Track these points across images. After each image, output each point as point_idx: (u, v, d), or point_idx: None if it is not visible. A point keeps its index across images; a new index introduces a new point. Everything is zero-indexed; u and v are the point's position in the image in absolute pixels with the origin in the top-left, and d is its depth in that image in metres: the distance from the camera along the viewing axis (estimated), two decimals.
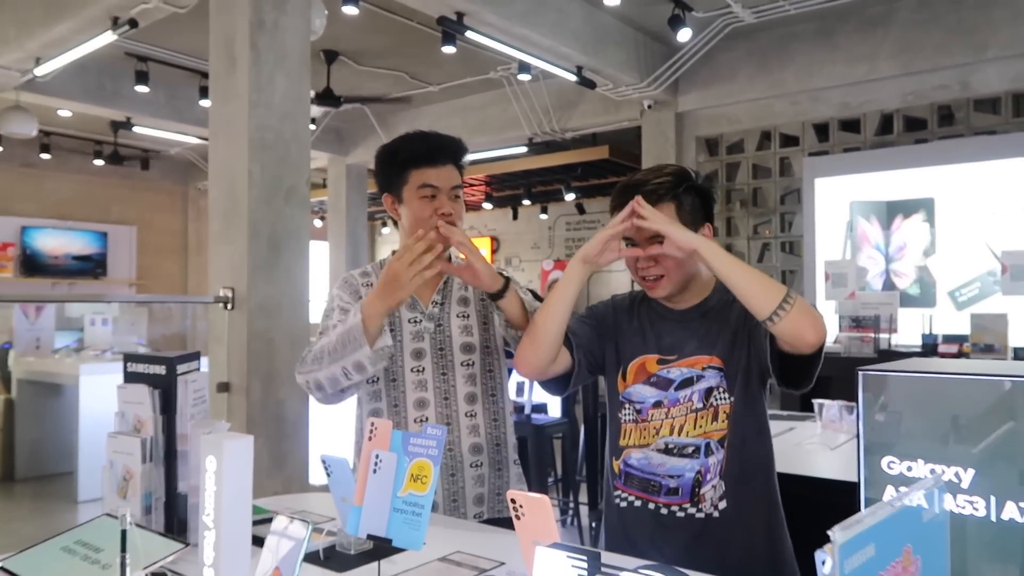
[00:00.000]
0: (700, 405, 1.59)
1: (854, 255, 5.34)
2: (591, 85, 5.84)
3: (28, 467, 5.98)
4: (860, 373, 0.69)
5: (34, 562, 1.23)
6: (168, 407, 1.45)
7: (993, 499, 0.61)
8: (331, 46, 6.10)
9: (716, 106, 6.21)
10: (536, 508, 1.13)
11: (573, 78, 5.64)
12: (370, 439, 1.25)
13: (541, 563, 0.93)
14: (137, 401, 1.46)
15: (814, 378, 1.53)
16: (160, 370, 1.47)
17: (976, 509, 0.61)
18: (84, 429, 5.37)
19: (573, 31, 5.20)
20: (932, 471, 0.61)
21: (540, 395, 4.31)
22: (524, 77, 6.25)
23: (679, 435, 1.60)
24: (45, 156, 8.96)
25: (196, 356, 1.56)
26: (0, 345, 6.52)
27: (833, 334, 4.37)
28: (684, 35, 5.32)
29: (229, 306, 3.28)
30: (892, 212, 5.32)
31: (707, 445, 1.58)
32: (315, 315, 2.42)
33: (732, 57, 5.98)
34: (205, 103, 6.78)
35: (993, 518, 0.61)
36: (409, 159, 1.77)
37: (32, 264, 9.48)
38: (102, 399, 5.47)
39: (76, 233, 9.98)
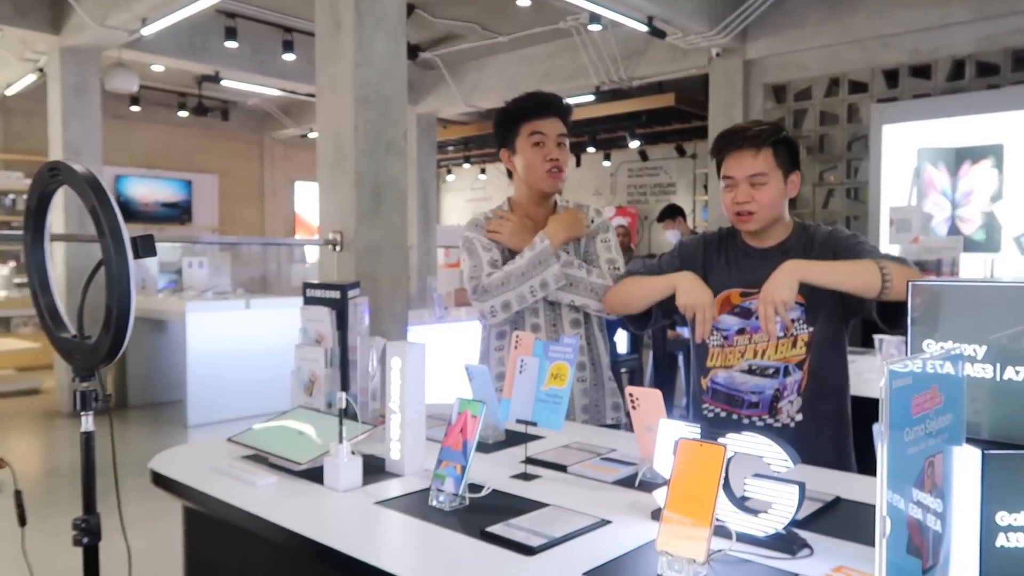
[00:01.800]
0: (781, 333, 1.87)
1: (920, 201, 5.44)
2: (661, 35, 5.98)
3: (140, 396, 6.62)
4: (910, 284, 0.98)
5: (257, 438, 1.61)
6: (342, 324, 1.81)
7: (998, 365, 0.90)
8: (409, 0, 6.35)
9: (785, 53, 6.27)
10: (650, 399, 1.45)
11: (644, 28, 5.78)
12: (516, 348, 1.58)
13: (665, 432, 1.25)
14: (318, 319, 1.82)
15: None
16: (335, 295, 1.82)
17: (985, 372, 0.90)
18: (192, 361, 5.93)
19: None
20: (956, 347, 0.91)
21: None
22: (595, 27, 6.40)
23: (761, 358, 1.88)
24: (135, 108, 9.50)
25: (358, 285, 1.91)
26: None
27: None
28: None
29: (338, 248, 3.65)
30: (960, 158, 5.39)
31: (786, 368, 1.86)
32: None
33: (802, 3, 6.02)
34: (288, 56, 7.15)
35: (997, 379, 0.90)
36: (520, 114, 2.11)
37: (125, 211, 9.98)
38: (207, 334, 6.04)
39: (163, 181, 10.59)
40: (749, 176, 1.84)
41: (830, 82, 6.18)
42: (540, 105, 2.15)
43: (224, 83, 8.09)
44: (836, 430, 1.91)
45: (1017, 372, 0.88)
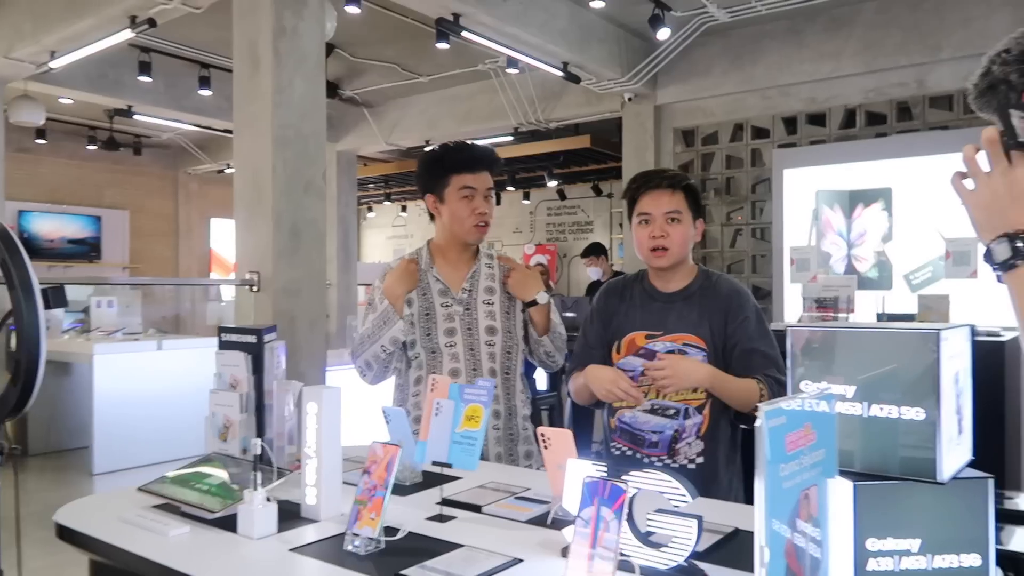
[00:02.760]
0: (647, 407, 1.98)
1: (819, 241, 5.77)
2: (576, 80, 6.19)
3: (42, 442, 6.26)
4: (788, 328, 1.07)
5: (170, 488, 1.59)
6: (258, 368, 1.81)
7: (866, 403, 1.00)
8: (329, 40, 6.37)
9: (692, 99, 6.58)
10: (560, 439, 1.51)
11: (559, 73, 5.98)
12: (432, 390, 1.62)
13: (572, 471, 1.31)
14: (233, 364, 1.81)
15: None
16: (252, 339, 1.82)
17: (855, 409, 1.00)
18: (98, 405, 5.67)
19: (560, 30, 5.54)
20: (828, 387, 1.00)
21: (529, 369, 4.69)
22: (512, 71, 6.59)
23: (663, 398, 1.98)
24: (40, 141, 9.13)
25: (275, 328, 1.91)
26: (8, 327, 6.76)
27: (797, 314, 4.80)
28: (663, 33, 5.69)
29: (255, 288, 3.61)
30: (854, 201, 5.75)
31: (686, 410, 1.97)
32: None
33: (707, 53, 6.35)
34: (204, 92, 7.05)
35: (865, 416, 1.00)
36: (452, 165, 2.15)
37: (29, 248, 9.50)
38: (115, 377, 5.79)
39: (70, 217, 10.17)
40: (666, 212, 1.97)
41: (735, 127, 6.52)
42: (472, 159, 2.19)
43: (137, 117, 7.89)
44: (731, 471, 2.01)
45: (882, 409, 0.98)
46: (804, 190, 5.90)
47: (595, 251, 7.31)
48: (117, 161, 10.31)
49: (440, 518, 1.49)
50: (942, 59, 5.41)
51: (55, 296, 1.15)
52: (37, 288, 1.08)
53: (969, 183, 0.98)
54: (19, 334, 1.11)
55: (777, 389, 1.87)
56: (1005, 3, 5.08)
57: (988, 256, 0.94)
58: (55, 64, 5.39)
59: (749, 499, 1.99)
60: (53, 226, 9.98)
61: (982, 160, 0.96)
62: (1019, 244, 0.90)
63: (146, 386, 5.88)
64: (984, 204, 0.95)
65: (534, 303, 2.16)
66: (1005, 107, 0.91)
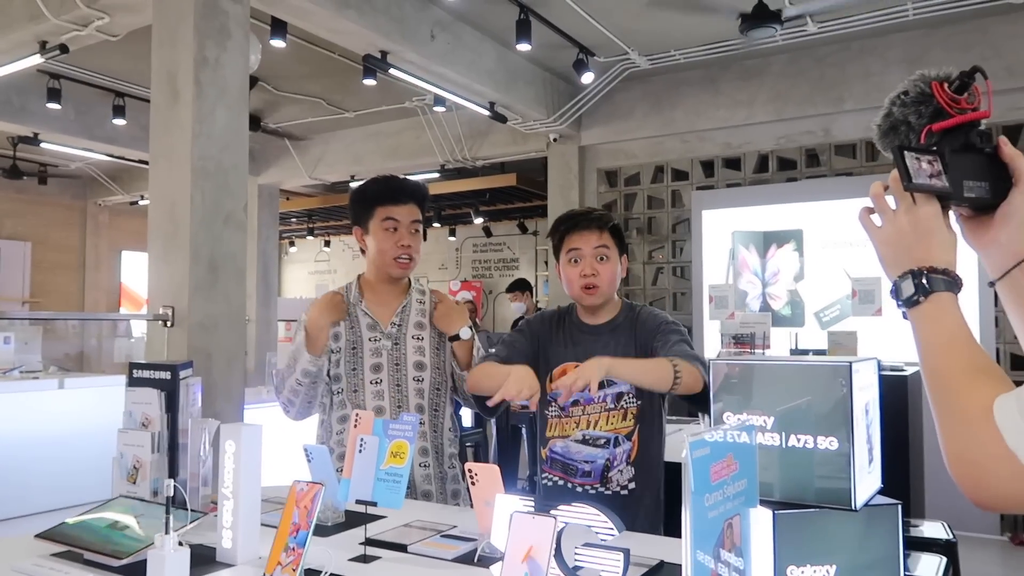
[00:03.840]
0: (612, 405, 2.01)
1: (736, 279, 5.97)
2: (502, 119, 6.29)
3: None
4: (711, 362, 1.10)
5: (72, 533, 1.49)
6: (172, 406, 1.73)
7: (783, 434, 1.03)
8: (253, 72, 6.29)
9: (615, 141, 6.77)
10: (488, 474, 1.50)
11: (486, 112, 6.06)
12: (355, 426, 1.58)
13: (501, 507, 1.30)
14: (146, 401, 1.73)
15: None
16: (166, 375, 1.74)
17: (773, 440, 1.03)
18: None
19: (487, 70, 5.63)
20: (749, 418, 1.03)
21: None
22: (439, 109, 6.64)
23: (594, 428, 2.01)
24: None
25: (190, 364, 1.84)
26: None
27: (716, 350, 4.93)
28: (587, 77, 5.86)
29: (169, 323, 3.47)
30: (768, 241, 5.99)
31: (616, 439, 2.00)
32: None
33: (629, 97, 6.56)
34: (119, 121, 6.83)
35: (784, 446, 1.03)
36: (375, 197, 2.14)
37: None
38: (11, 417, 5.43)
39: None
40: (595, 249, 2.01)
41: (655, 169, 6.73)
42: (396, 191, 2.18)
43: (44, 145, 7.55)
44: (659, 494, 2.05)
45: (799, 440, 1.01)
46: (721, 230, 6.12)
47: (520, 287, 7.38)
48: (19, 190, 9.81)
49: (364, 558, 1.44)
50: (845, 110, 5.74)
51: None
52: None
53: (876, 219, 1.00)
54: None
55: (693, 360, 1.89)
56: (900, 60, 5.46)
57: (894, 292, 0.96)
58: None
59: (671, 528, 2.03)
60: None
61: (890, 197, 0.98)
62: (923, 281, 0.92)
63: (45, 427, 5.53)
64: (890, 240, 0.98)
65: (457, 337, 2.15)
66: (900, 148, 0.94)
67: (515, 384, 1.82)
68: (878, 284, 4.39)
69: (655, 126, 6.52)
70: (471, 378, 2.07)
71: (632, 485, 1.98)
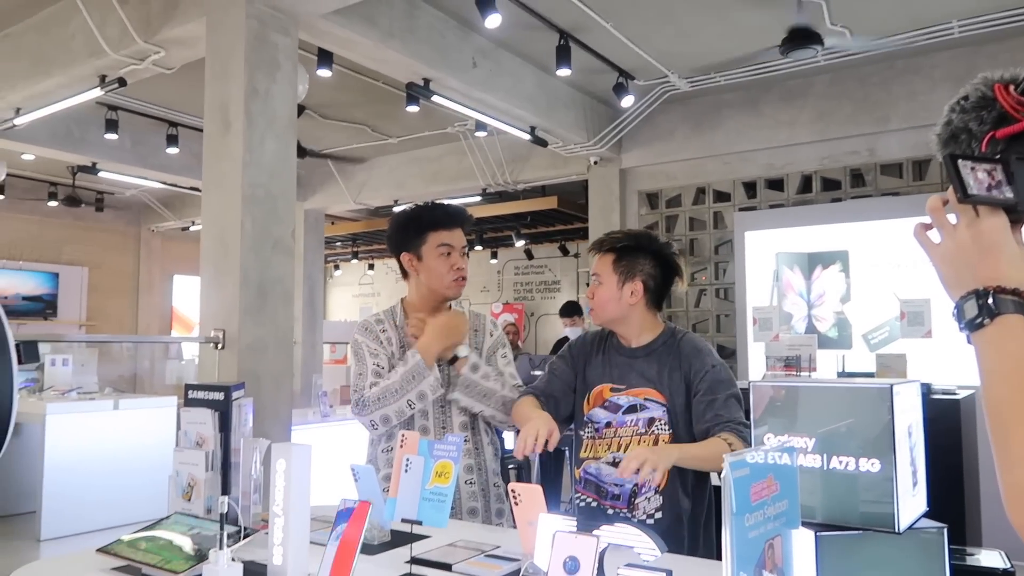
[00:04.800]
0: (643, 430, 2.01)
1: (780, 301, 5.90)
2: (543, 143, 6.35)
3: None
4: (752, 384, 1.11)
5: (131, 548, 1.55)
6: (225, 426, 1.79)
7: (825, 456, 1.03)
8: (300, 101, 6.47)
9: (655, 163, 6.78)
10: (531, 495, 1.52)
11: (527, 137, 6.13)
12: (401, 446, 1.62)
13: (544, 526, 1.31)
14: (200, 421, 1.79)
15: None
16: (219, 396, 1.80)
17: (815, 462, 1.03)
18: (49, 468, 5.47)
19: (527, 95, 5.70)
20: (790, 439, 1.04)
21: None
22: (480, 134, 6.74)
23: (623, 451, 2.00)
24: None
25: (242, 386, 1.90)
26: None
27: (760, 372, 4.87)
28: (627, 100, 5.89)
29: (220, 346, 3.57)
30: (813, 263, 5.92)
31: None
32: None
33: (670, 120, 6.58)
34: (172, 150, 7.07)
35: (825, 468, 1.03)
36: (430, 223, 2.19)
37: None
38: (68, 438, 5.60)
39: (27, 274, 9.97)
40: (592, 274, 2.09)
41: (697, 190, 6.71)
42: (449, 217, 2.26)
43: (102, 174, 7.85)
44: (693, 528, 2.01)
45: (841, 462, 1.01)
46: (765, 252, 6.06)
47: (574, 311, 7.30)
48: (78, 217, 10.20)
49: None
50: (891, 129, 5.67)
51: (27, 351, 1.15)
52: (12, 343, 1.08)
53: (934, 235, 0.92)
54: None
55: (743, 432, 1.90)
56: (946, 78, 5.38)
57: (957, 314, 0.88)
58: (20, 121, 5.38)
59: (711, 555, 2.01)
60: (8, 283, 9.77)
61: (951, 214, 0.90)
62: (988, 301, 0.84)
63: (101, 447, 5.68)
64: (950, 258, 0.89)
65: (455, 359, 2.18)
66: (952, 158, 0.86)
67: (529, 436, 1.88)
68: (927, 306, 4.30)
69: (696, 148, 6.52)
70: (514, 413, 2.13)
71: (659, 515, 1.96)
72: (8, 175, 8.57)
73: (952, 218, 0.90)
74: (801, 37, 4.77)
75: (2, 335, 1.06)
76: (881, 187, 5.88)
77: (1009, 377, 0.82)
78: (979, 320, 0.84)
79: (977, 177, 0.85)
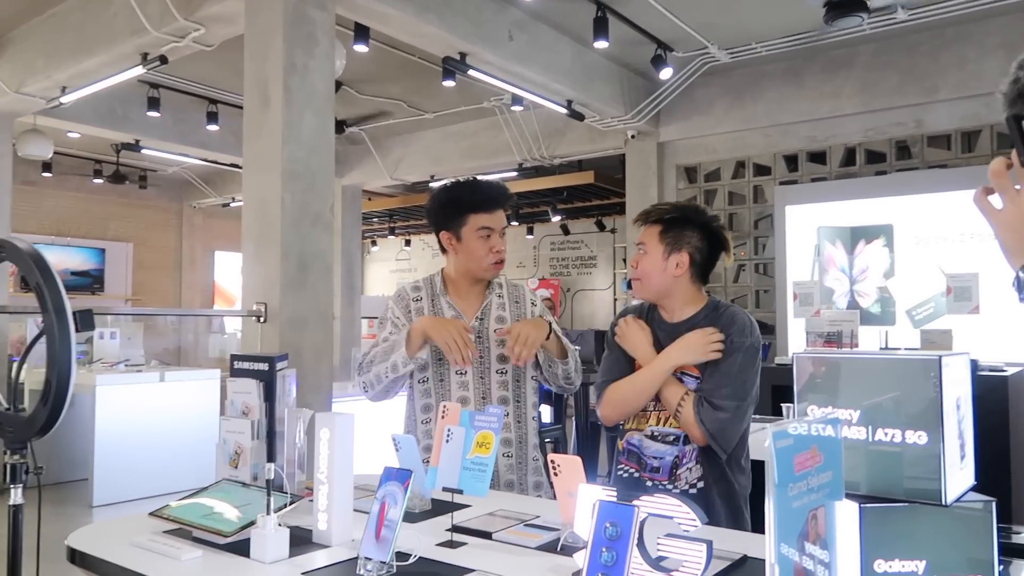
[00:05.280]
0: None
1: (821, 276, 5.80)
2: (580, 117, 6.30)
3: (41, 475, 6.23)
4: (795, 356, 1.10)
5: (182, 512, 1.60)
6: (270, 396, 1.83)
7: (870, 428, 1.02)
8: (338, 77, 6.49)
9: (694, 137, 6.68)
10: (571, 466, 1.53)
11: (563, 111, 6.08)
12: (443, 417, 1.64)
13: (584, 495, 1.33)
14: (245, 391, 1.83)
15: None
16: (264, 367, 1.84)
17: (859, 434, 1.02)
18: (100, 437, 5.66)
19: (564, 68, 5.65)
20: (833, 411, 1.03)
21: None
22: (517, 108, 6.70)
23: (663, 425, 2.00)
24: (47, 175, 9.24)
25: (286, 356, 1.94)
26: (8, 357, 6.78)
27: (801, 348, 4.81)
28: (665, 73, 5.80)
29: (262, 319, 3.64)
30: (855, 237, 5.80)
31: (685, 436, 1.98)
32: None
33: (709, 93, 6.46)
34: (212, 127, 7.16)
35: (870, 440, 1.02)
36: (470, 205, 2.18)
37: None
38: (117, 408, 5.79)
39: (74, 250, 10.24)
40: (637, 244, 2.06)
41: (737, 164, 6.60)
42: (489, 200, 2.22)
43: (144, 151, 8.00)
44: (732, 497, 2.00)
45: (886, 434, 1.00)
46: (806, 226, 5.96)
47: None
48: (122, 194, 10.42)
49: (451, 544, 1.50)
50: (939, 100, 5.51)
51: (83, 319, 1.19)
52: (69, 311, 1.12)
53: (996, 201, 0.88)
54: (50, 355, 1.14)
55: (702, 409, 1.90)
56: (999, 46, 5.19)
57: (1017, 283, 0.85)
58: (65, 99, 5.49)
59: (753, 526, 2.00)
60: (57, 258, 10.03)
61: (1012, 177, 0.86)
62: None
63: (148, 418, 5.88)
64: (1012, 224, 0.85)
65: (546, 337, 2.17)
66: (1017, 118, 0.81)
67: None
68: (975, 280, 4.20)
69: (736, 120, 6.40)
70: (608, 411, 2.08)
71: (700, 484, 1.96)
72: (55, 153, 8.78)
73: (1016, 183, 0.86)
74: (846, 5, 4.64)
75: (61, 303, 1.10)
76: (928, 159, 5.72)
77: None
78: None
79: None
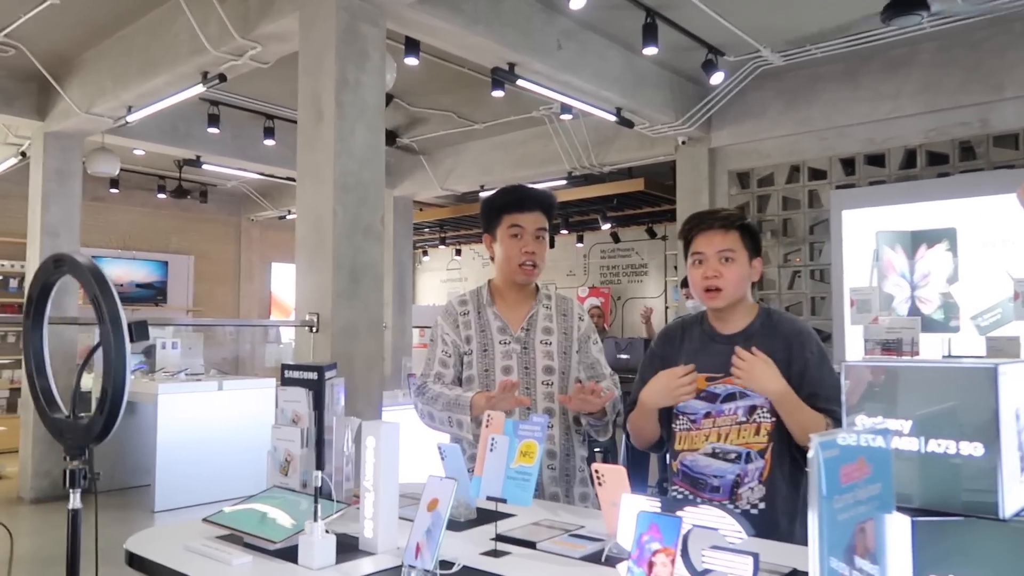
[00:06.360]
0: (744, 419, 1.92)
1: (880, 282, 5.64)
2: (629, 124, 6.26)
3: (106, 480, 6.46)
4: (844, 364, 1.07)
5: (233, 519, 1.64)
6: (319, 404, 1.86)
7: (923, 439, 0.99)
8: (389, 90, 6.60)
9: (747, 142, 6.57)
10: (614, 476, 1.51)
11: (613, 118, 6.06)
12: (487, 426, 1.65)
13: (627, 506, 1.31)
14: (295, 400, 1.87)
15: None
16: (313, 376, 1.88)
17: (911, 445, 0.99)
18: (162, 444, 5.84)
19: (614, 76, 5.63)
20: (883, 420, 1.00)
21: None
22: (566, 117, 6.69)
23: (724, 442, 1.94)
24: (114, 191, 9.61)
25: (335, 366, 1.97)
26: (78, 367, 7.06)
27: (860, 356, 4.68)
28: (717, 78, 5.73)
29: (314, 329, 3.71)
30: (916, 241, 5.62)
31: (748, 454, 1.91)
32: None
33: (762, 96, 6.36)
34: (269, 142, 7.35)
35: (923, 451, 0.99)
36: (503, 205, 2.21)
37: None
38: (178, 416, 5.97)
39: (139, 263, 10.61)
40: (719, 252, 1.95)
41: (791, 169, 6.47)
42: (521, 199, 2.24)
43: (205, 167, 8.25)
44: (797, 518, 1.94)
45: (939, 445, 0.96)
46: (863, 231, 5.80)
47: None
48: (184, 208, 10.76)
49: (495, 553, 1.50)
50: (1005, 98, 5.31)
51: (138, 330, 1.23)
52: (124, 322, 1.16)
53: None
54: (106, 365, 1.19)
55: (838, 417, 1.83)
56: None
57: None
58: (131, 118, 5.70)
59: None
60: (123, 271, 10.42)
61: None
62: None
63: (207, 425, 6.05)
64: None
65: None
66: None
67: (654, 396, 1.95)
68: None
69: (790, 124, 6.28)
70: (633, 438, 2.10)
71: (763, 505, 1.89)
72: (121, 170, 9.12)
73: None
74: (905, 3, 4.51)
75: (116, 314, 1.14)
76: (994, 160, 5.51)
77: None
78: None
79: None
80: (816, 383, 1.89)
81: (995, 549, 0.91)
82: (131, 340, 1.20)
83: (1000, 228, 5.14)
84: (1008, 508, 0.90)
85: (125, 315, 1.19)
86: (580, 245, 11.72)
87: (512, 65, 4.96)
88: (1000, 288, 5.07)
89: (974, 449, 0.93)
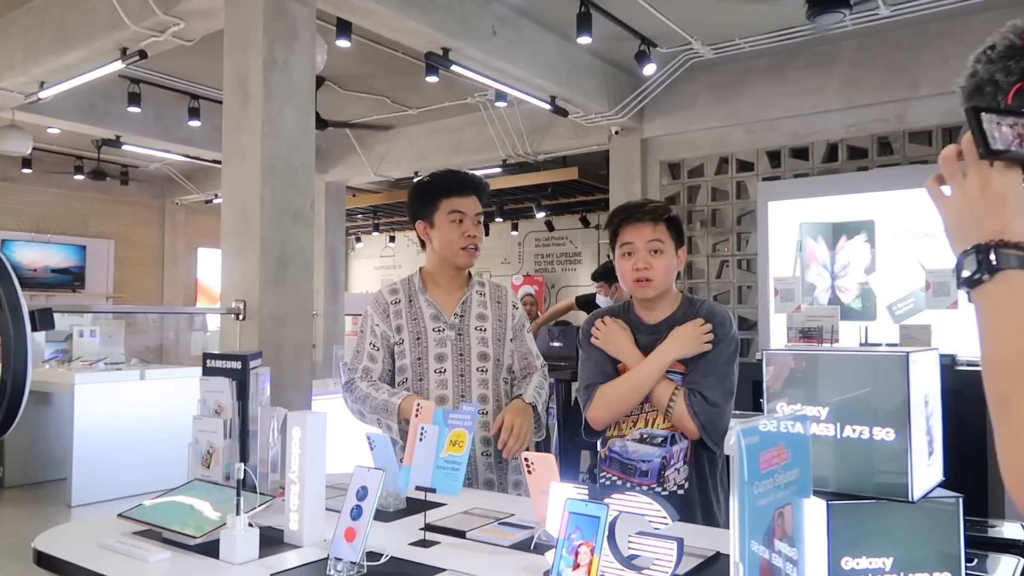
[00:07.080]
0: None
1: (803, 272, 5.83)
2: (563, 113, 6.28)
3: (18, 475, 6.16)
4: (764, 352, 1.09)
5: (151, 513, 1.58)
6: (243, 395, 1.81)
7: (838, 424, 1.02)
8: (319, 73, 6.44)
9: (678, 133, 6.69)
10: (544, 464, 1.52)
11: (547, 107, 6.07)
12: (416, 416, 1.63)
13: (555, 494, 1.32)
14: (218, 390, 1.81)
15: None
16: (237, 365, 1.82)
17: (828, 430, 1.02)
18: (79, 436, 5.60)
19: (548, 64, 5.64)
20: (801, 407, 1.02)
21: None
22: (500, 104, 6.68)
23: (651, 427, 1.98)
24: (26, 171, 9.13)
25: (260, 355, 1.91)
26: None
27: (783, 344, 4.83)
28: (649, 68, 5.80)
29: (241, 317, 3.61)
30: (837, 233, 5.83)
31: (672, 436, 1.96)
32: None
33: (693, 88, 6.47)
34: (194, 123, 7.10)
35: (839, 436, 1.02)
36: (441, 190, 2.18)
37: None
38: (96, 407, 5.73)
39: (54, 247, 10.14)
40: (648, 243, 1.98)
41: (720, 160, 6.61)
42: (461, 183, 2.23)
43: (125, 147, 7.91)
44: (719, 495, 2.01)
45: (855, 430, 1.00)
46: (788, 222, 5.98)
47: (610, 276, 5.87)
48: (103, 191, 10.32)
49: (423, 543, 1.48)
50: (921, 95, 5.54)
51: (43, 318, 1.16)
52: (25, 310, 1.09)
53: (947, 188, 0.87)
54: (5, 356, 1.12)
55: (695, 401, 1.89)
56: (981, 42, 5.19)
57: (956, 270, 0.83)
58: (44, 94, 5.42)
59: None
60: (37, 255, 9.94)
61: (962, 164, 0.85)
62: (989, 256, 0.79)
63: (128, 416, 5.82)
64: (957, 210, 0.84)
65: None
66: (975, 111, 0.81)
67: (681, 343, 1.96)
68: (952, 276, 4.23)
69: (720, 116, 6.41)
70: (598, 415, 2.01)
71: (687, 484, 1.95)
72: (34, 149, 8.67)
73: (965, 170, 0.85)
74: (829, 1, 4.65)
75: (16, 300, 1.07)
76: (909, 155, 5.75)
77: (1011, 339, 0.77)
78: (977, 276, 0.80)
79: (1001, 131, 0.81)
80: (716, 366, 1.94)
81: (905, 530, 0.95)
82: (34, 329, 1.13)
83: (915, 221, 5.37)
84: (917, 490, 0.94)
85: (26, 301, 1.12)
86: (515, 233, 11.75)
87: (446, 50, 4.91)
88: (914, 278, 5.29)
89: (886, 434, 0.96)
